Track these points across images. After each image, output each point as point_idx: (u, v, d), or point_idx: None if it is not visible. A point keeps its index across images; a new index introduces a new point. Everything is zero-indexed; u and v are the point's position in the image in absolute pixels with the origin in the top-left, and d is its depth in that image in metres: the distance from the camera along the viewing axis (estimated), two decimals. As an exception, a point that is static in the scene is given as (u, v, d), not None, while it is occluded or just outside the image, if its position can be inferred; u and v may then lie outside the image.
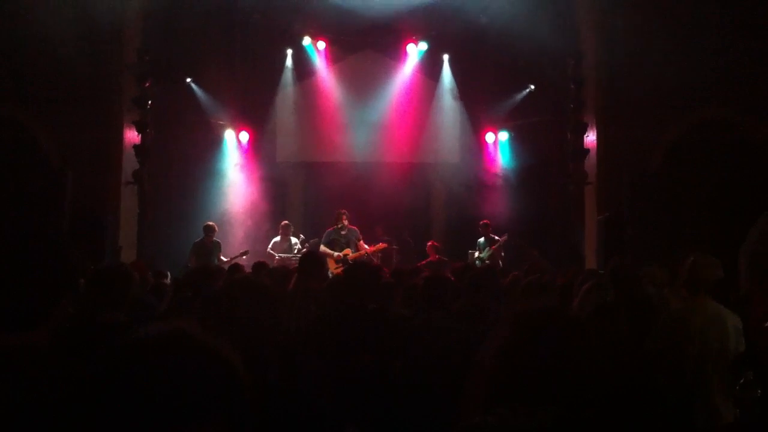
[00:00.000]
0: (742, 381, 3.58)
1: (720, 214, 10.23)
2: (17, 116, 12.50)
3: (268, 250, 12.22)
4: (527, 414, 1.25)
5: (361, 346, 4.11)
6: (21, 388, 1.74)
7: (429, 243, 12.56)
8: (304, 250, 11.70)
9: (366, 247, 11.82)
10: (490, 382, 1.62)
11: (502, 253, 12.09)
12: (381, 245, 12.16)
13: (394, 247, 13.08)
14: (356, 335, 4.17)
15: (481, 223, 12.48)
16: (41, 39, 11.70)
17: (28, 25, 11.65)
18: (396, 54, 14.70)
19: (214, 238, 11.74)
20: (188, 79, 13.86)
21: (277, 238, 12.37)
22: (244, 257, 11.52)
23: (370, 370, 3.96)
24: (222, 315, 2.19)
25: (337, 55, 14.66)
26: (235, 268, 8.00)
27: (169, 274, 8.47)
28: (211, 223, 11.91)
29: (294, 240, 12.32)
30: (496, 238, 12.21)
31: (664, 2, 12.20)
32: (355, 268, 4.54)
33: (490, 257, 11.87)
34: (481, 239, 12.34)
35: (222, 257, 11.50)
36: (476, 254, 12.28)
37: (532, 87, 14.04)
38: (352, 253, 11.70)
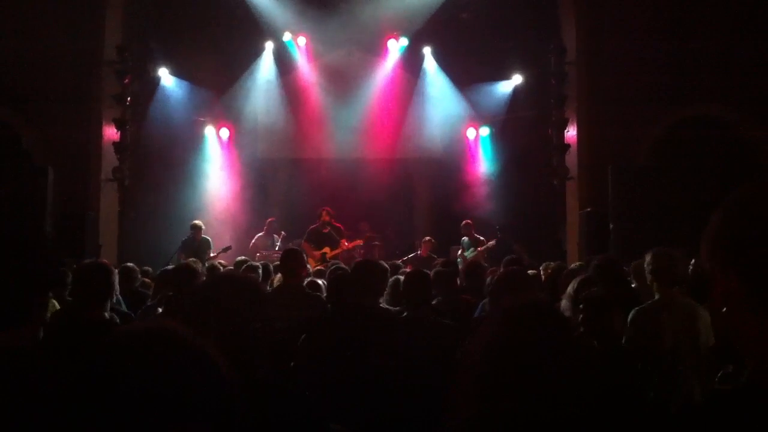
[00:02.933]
0: (720, 374, 3.60)
1: (703, 209, 10.27)
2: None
3: (252, 243, 12.23)
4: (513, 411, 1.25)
5: (358, 344, 4.10)
6: (4, 387, 1.72)
7: (425, 239, 12.44)
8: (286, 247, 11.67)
9: (346, 244, 11.81)
10: (479, 379, 1.62)
11: (486, 255, 12.02)
12: (359, 241, 12.16)
13: (376, 243, 13.07)
14: (352, 333, 4.16)
15: (464, 223, 12.41)
16: (20, 35, 11.59)
17: (6, 22, 11.53)
18: (377, 50, 14.68)
19: (203, 236, 11.73)
20: (166, 72, 13.74)
21: (261, 234, 12.38)
22: (228, 252, 11.52)
23: (366, 368, 3.95)
24: (207, 312, 2.17)
25: (317, 50, 14.61)
26: (215, 266, 8.00)
27: (151, 271, 8.44)
28: (197, 221, 11.92)
29: (276, 237, 12.33)
30: (482, 239, 12.16)
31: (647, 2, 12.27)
32: (354, 266, 4.55)
33: (473, 258, 11.80)
34: (465, 238, 12.28)
35: (211, 253, 11.48)
36: (459, 252, 12.25)
37: (516, 80, 14.05)
38: (331, 250, 11.70)
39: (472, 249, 12.07)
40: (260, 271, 7.30)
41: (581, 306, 3.63)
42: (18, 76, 11.94)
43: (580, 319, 3.61)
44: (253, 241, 12.32)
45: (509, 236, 11.97)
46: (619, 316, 3.73)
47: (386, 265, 4.75)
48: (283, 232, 12.56)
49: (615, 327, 3.68)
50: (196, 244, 11.56)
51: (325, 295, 5.15)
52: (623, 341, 4.03)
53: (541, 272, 7.64)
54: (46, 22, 11.61)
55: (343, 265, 6.81)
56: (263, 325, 2.24)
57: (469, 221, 12.41)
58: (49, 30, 11.64)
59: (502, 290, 4.31)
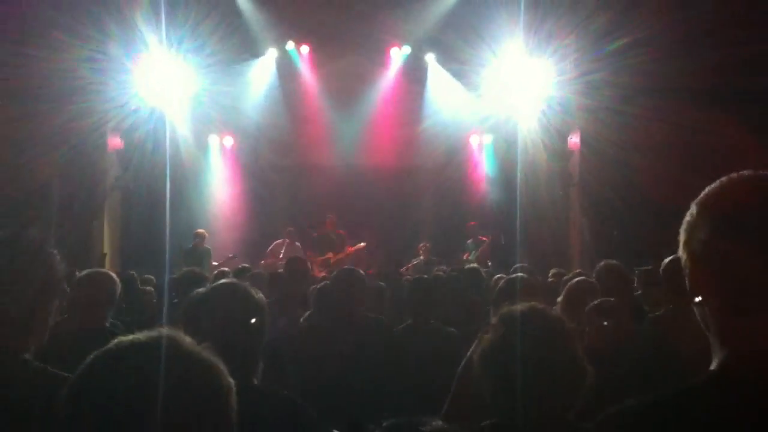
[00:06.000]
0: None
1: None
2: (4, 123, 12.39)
3: (269, 250, 12.30)
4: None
5: (352, 352, 4.10)
6: (5, 393, 1.72)
7: (421, 244, 12.57)
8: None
9: (350, 249, 11.83)
10: (476, 384, 1.62)
11: (489, 254, 12.04)
12: (360, 245, 12.17)
13: (379, 250, 13.09)
14: (346, 342, 4.16)
15: (468, 224, 12.47)
16: (25, 44, 11.62)
17: (12, 31, 11.57)
18: (380, 58, 14.71)
19: (205, 245, 11.75)
20: (171, 80, 13.75)
21: (279, 242, 12.39)
22: (234, 260, 11.53)
23: (360, 376, 3.95)
24: (204, 320, 2.18)
25: (320, 59, 14.65)
26: (221, 274, 7.97)
27: (154, 279, 8.44)
28: (201, 230, 11.94)
29: (298, 245, 12.36)
30: (484, 239, 12.22)
31: (647, 4, 12.25)
32: (343, 275, 4.53)
33: (476, 260, 11.83)
34: (470, 241, 12.33)
35: (213, 263, 11.49)
36: (465, 255, 12.26)
37: (519, 87, 14.03)
38: (335, 256, 11.71)
39: (474, 251, 12.09)
40: (266, 279, 7.28)
41: (588, 314, 3.62)
42: (22, 83, 11.95)
43: (586, 328, 3.60)
44: (270, 248, 12.37)
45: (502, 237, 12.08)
46: (626, 323, 3.72)
47: (362, 273, 4.73)
48: (287, 240, 12.54)
49: (621, 334, 3.67)
50: (199, 252, 11.59)
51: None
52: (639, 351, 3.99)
53: (549, 279, 7.62)
54: (51, 30, 11.63)
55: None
56: (260, 333, 2.25)
57: (474, 222, 12.45)
58: (53, 38, 11.66)
59: (505, 297, 4.30)
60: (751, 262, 1.18)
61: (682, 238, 1.31)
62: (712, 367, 1.24)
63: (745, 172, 1.33)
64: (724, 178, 1.33)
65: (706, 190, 1.32)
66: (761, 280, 1.18)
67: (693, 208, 1.31)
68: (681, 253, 1.31)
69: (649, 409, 1.23)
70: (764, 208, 1.22)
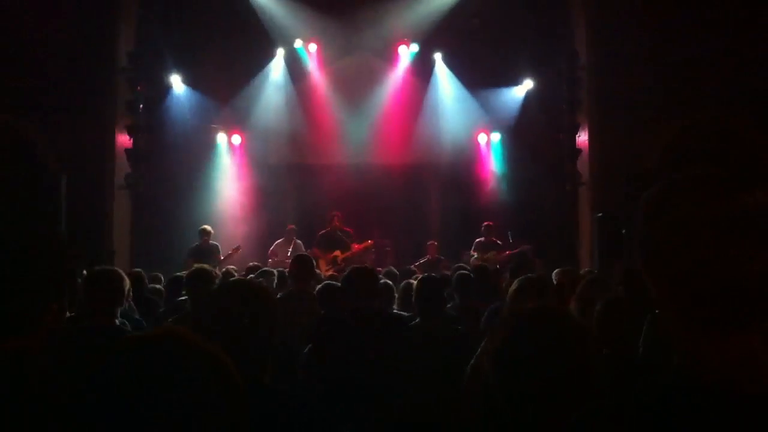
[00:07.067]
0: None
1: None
2: (13, 121, 12.41)
3: (271, 250, 12.28)
4: None
5: (364, 348, 4.10)
6: (13, 394, 1.72)
7: (429, 242, 12.52)
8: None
9: (356, 247, 11.83)
10: (486, 386, 1.61)
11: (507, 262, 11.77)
12: (368, 243, 12.15)
13: (387, 248, 13.08)
14: (359, 338, 4.16)
15: (485, 224, 12.15)
16: (34, 43, 11.66)
17: (20, 29, 11.62)
18: (388, 56, 14.70)
19: (211, 241, 11.76)
20: (179, 79, 13.80)
21: (280, 241, 12.39)
22: (238, 251, 11.57)
23: (371, 373, 3.94)
24: (216, 318, 2.18)
25: (328, 57, 14.66)
26: (228, 273, 8.00)
27: (162, 278, 8.47)
28: (206, 226, 11.94)
29: (299, 243, 12.35)
30: (499, 242, 11.95)
31: (659, 2, 12.20)
32: (354, 271, 4.53)
33: (489, 260, 11.49)
34: (481, 240, 12.03)
35: (220, 257, 11.52)
36: (472, 252, 12.00)
37: (528, 85, 13.99)
38: (342, 254, 11.71)
39: (491, 252, 11.81)
40: (275, 276, 7.29)
41: (597, 309, 3.61)
42: (31, 82, 12.00)
43: (595, 323, 3.60)
44: (271, 248, 12.35)
45: (523, 244, 11.90)
46: (639, 322, 3.70)
47: (374, 271, 4.71)
48: (297, 240, 12.54)
49: (632, 334, 3.66)
50: (206, 249, 11.59)
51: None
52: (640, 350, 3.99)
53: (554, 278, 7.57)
54: (60, 30, 11.67)
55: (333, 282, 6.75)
56: (271, 331, 2.24)
57: (489, 222, 12.16)
58: (63, 37, 11.70)
59: (522, 297, 4.28)
60: (717, 274, 1.10)
61: (638, 257, 1.22)
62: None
63: (707, 171, 1.24)
64: (677, 180, 1.24)
65: (659, 192, 1.24)
66: (721, 294, 1.10)
67: (646, 208, 1.23)
68: (642, 271, 1.23)
69: (596, 416, 1.19)
70: (726, 218, 1.13)
